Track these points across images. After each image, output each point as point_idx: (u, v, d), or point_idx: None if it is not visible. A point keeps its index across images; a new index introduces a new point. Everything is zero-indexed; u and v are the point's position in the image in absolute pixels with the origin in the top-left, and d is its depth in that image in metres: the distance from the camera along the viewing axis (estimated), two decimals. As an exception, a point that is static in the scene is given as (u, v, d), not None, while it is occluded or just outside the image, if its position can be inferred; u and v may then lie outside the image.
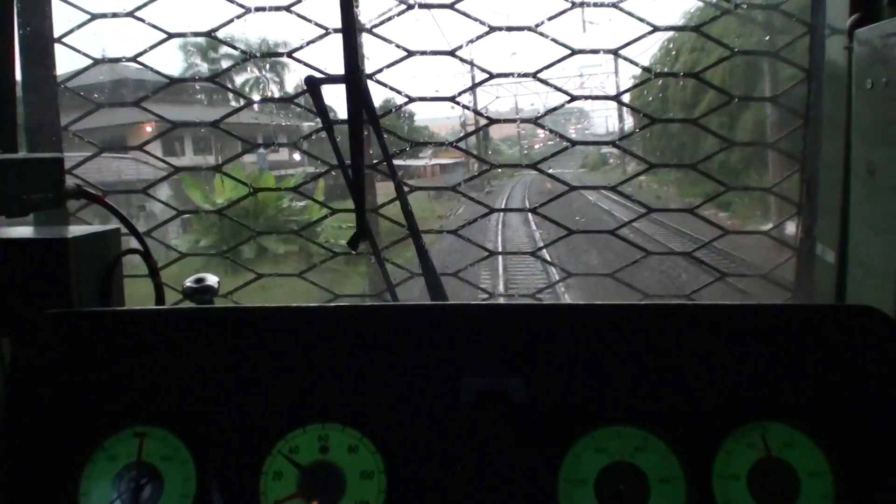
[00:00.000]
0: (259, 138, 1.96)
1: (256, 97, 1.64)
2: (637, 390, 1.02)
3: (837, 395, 0.99)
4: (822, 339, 1.02)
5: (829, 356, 1.01)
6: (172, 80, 1.95)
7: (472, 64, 1.80)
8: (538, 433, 1.01)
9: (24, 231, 1.40)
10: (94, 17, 1.87)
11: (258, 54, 1.84)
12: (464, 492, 0.99)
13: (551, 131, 1.87)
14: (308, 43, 1.79)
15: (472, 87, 1.83)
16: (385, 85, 1.78)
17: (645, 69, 1.88)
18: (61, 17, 1.87)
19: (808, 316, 1.06)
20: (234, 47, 1.85)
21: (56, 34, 1.86)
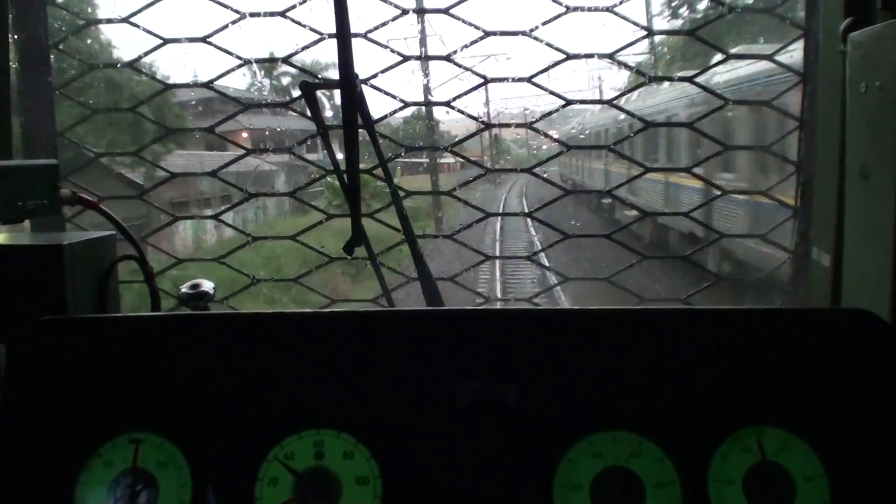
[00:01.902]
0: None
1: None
2: (632, 395, 1.02)
3: (833, 399, 1.00)
4: (818, 343, 1.02)
5: (824, 360, 1.01)
6: (167, 86, 1.95)
7: (468, 69, 1.81)
8: (533, 438, 1.01)
9: (19, 237, 1.40)
10: (88, 23, 1.87)
11: (252, 60, 1.84)
12: (459, 498, 0.99)
13: (545, 135, 1.89)
14: (303, 48, 1.79)
15: (467, 92, 1.84)
16: (380, 90, 1.78)
17: (640, 73, 1.89)
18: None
19: (804, 320, 1.06)
20: (230, 53, 1.85)
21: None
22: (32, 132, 1.84)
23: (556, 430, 1.01)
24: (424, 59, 1.81)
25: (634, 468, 0.99)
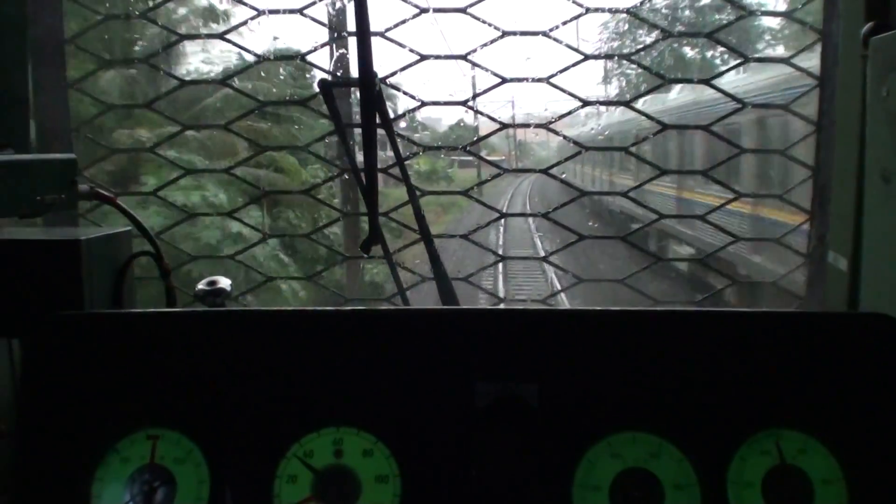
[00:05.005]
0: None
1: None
2: (651, 397, 1.01)
3: (851, 403, 0.99)
4: (837, 347, 1.02)
5: (843, 364, 1.01)
6: (183, 83, 1.96)
7: (486, 69, 1.81)
8: (552, 439, 1.01)
9: (35, 232, 1.39)
10: (106, 17, 1.87)
11: (272, 57, 1.84)
12: (478, 497, 0.99)
13: (565, 137, 1.89)
14: (321, 46, 1.79)
15: (484, 92, 1.85)
16: (398, 89, 1.79)
17: (658, 75, 1.88)
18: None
19: (823, 323, 1.06)
20: (248, 50, 1.86)
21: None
22: (47, 127, 1.85)
23: (576, 431, 1.01)
24: (441, 58, 1.81)
25: (653, 469, 0.98)
